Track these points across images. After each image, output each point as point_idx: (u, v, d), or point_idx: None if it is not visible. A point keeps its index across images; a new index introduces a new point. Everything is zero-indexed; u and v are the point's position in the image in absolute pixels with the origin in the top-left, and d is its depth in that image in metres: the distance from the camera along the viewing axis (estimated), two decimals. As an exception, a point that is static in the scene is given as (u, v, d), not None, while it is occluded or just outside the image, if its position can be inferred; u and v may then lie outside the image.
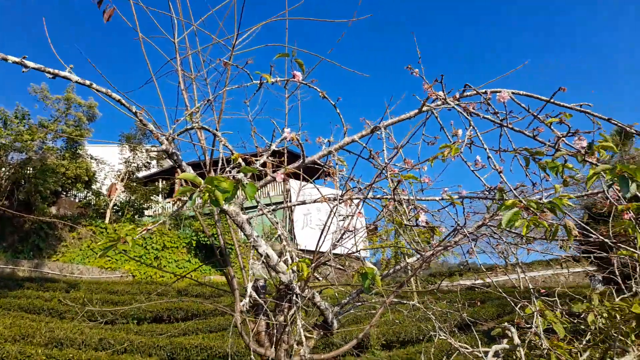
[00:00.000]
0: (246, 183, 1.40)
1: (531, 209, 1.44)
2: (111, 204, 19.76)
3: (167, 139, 2.10)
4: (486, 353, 4.22)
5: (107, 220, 19.18)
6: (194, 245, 18.99)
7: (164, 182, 23.75)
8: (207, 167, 3.18)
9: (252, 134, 3.08)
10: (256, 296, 2.18)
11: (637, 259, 1.89)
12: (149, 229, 1.54)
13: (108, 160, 21.04)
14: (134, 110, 2.22)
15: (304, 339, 2.66)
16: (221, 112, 3.06)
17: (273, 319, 2.81)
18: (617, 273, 5.61)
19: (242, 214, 2.65)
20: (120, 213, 20.89)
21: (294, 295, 2.59)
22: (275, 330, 2.81)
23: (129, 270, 16.75)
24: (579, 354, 4.34)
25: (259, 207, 2.15)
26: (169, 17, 3.07)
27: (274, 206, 2.98)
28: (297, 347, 2.87)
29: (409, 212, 2.08)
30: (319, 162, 2.67)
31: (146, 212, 22.78)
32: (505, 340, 4.56)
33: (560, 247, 5.95)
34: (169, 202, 23.46)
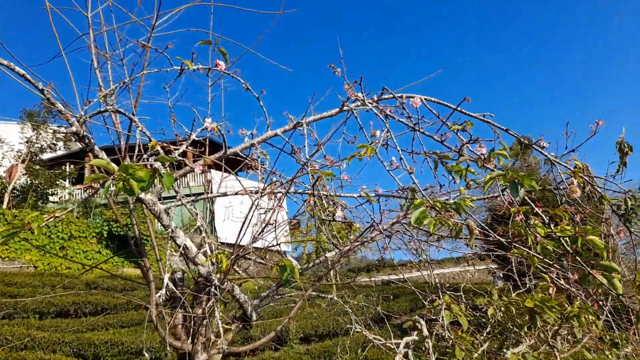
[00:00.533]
0: (163, 173, 1.37)
1: (436, 208, 1.56)
2: (10, 188, 18.03)
3: (79, 121, 1.98)
4: (398, 345, 4.47)
5: (4, 205, 17.49)
6: (105, 235, 17.90)
7: (71, 166, 22.09)
8: (122, 153, 3.04)
9: (171, 121, 2.99)
10: (173, 288, 2.14)
11: (529, 257, 2.12)
12: (57, 216, 1.46)
13: (7, 139, 19.14)
14: (40, 87, 2.07)
15: (222, 331, 2.65)
16: (138, 95, 2.93)
17: (191, 311, 2.76)
18: (514, 270, 6.18)
19: (160, 203, 2.58)
20: (21, 198, 19.14)
21: (213, 288, 2.57)
22: (192, 324, 2.77)
23: (30, 260, 15.41)
24: (479, 345, 4.74)
25: (178, 197, 2.10)
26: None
27: (193, 197, 2.92)
28: (215, 339, 2.84)
29: (328, 208, 2.15)
30: (241, 154, 2.67)
31: (51, 198, 21.07)
32: (415, 333, 4.86)
33: (467, 245, 6.41)
34: (78, 189, 21.87)
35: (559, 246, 1.95)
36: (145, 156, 1.84)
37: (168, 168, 1.51)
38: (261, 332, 7.60)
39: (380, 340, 4.68)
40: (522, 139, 2.33)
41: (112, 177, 1.29)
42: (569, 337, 5.82)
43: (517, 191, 1.50)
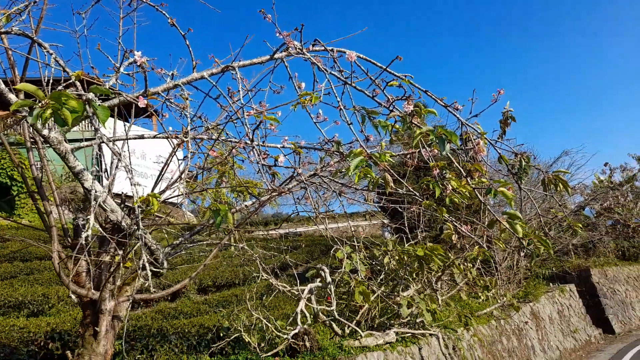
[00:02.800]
0: (98, 105, 1.26)
1: (374, 158, 1.66)
2: None
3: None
4: (303, 291, 4.72)
5: None
6: None
7: None
8: (16, 82, 2.68)
9: (79, 53, 2.69)
10: (106, 232, 2.00)
11: (437, 209, 2.34)
12: None
13: None
14: None
15: (138, 278, 2.56)
16: (41, 19, 2.58)
17: (98, 259, 2.62)
18: (405, 224, 6.76)
19: (66, 142, 2.35)
20: None
21: (125, 235, 2.45)
22: (99, 271, 2.63)
23: None
24: (375, 290, 5.19)
25: (98, 136, 1.93)
26: None
27: (97, 137, 2.69)
28: (124, 287, 2.74)
29: (257, 156, 2.15)
30: (162, 94, 2.51)
31: None
32: (318, 280, 5.15)
33: (365, 200, 6.81)
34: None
35: (464, 198, 2.20)
36: (60, 87, 1.65)
37: (99, 101, 1.38)
38: (171, 280, 7.41)
39: (286, 287, 4.90)
40: (438, 100, 2.52)
41: (40, 104, 1.16)
42: (449, 282, 6.62)
43: (444, 145, 1.65)
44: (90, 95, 1.28)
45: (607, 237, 12.74)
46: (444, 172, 2.13)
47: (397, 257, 5.31)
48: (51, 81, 2.10)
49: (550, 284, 10.99)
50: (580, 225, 2.34)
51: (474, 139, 2.34)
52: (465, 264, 5.58)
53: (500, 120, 2.73)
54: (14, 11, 1.75)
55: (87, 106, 1.29)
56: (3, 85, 1.94)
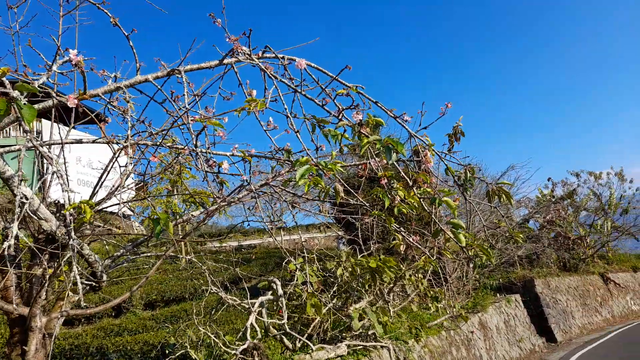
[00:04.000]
0: (23, 103, 1.16)
1: (320, 167, 1.63)
2: None
3: None
4: (253, 304, 4.61)
5: None
6: None
7: None
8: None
9: (13, 50, 2.53)
10: (39, 243, 1.84)
11: (386, 219, 2.35)
12: None
13: None
14: None
15: (67, 293, 2.39)
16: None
17: (29, 271, 2.43)
18: (359, 236, 6.79)
19: (-6, 146, 2.18)
20: None
21: (60, 246, 2.28)
22: (30, 285, 2.44)
23: None
24: (328, 302, 5.15)
25: (27, 138, 1.80)
26: None
27: (35, 142, 2.52)
28: (58, 302, 2.55)
29: (202, 163, 2.07)
30: (102, 97, 2.38)
31: None
32: (270, 292, 5.05)
33: (320, 211, 6.76)
34: None
35: (412, 209, 2.21)
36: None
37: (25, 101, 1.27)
38: (112, 295, 7.04)
39: (236, 301, 4.77)
40: (387, 112, 2.55)
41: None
42: (400, 294, 6.68)
43: (391, 155, 1.65)
44: (15, 94, 1.18)
45: (550, 249, 13.37)
46: (392, 182, 2.14)
47: (350, 269, 5.31)
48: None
49: (498, 295, 11.36)
50: (522, 236, 2.41)
51: (422, 150, 2.37)
52: (417, 275, 5.65)
53: (449, 134, 2.79)
54: None
55: (12, 105, 1.19)
56: None
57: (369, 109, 2.41)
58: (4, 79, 1.52)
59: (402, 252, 2.58)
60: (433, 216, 2.01)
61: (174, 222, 3.13)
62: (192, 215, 3.00)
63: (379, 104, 2.55)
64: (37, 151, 2.40)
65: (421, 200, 2.08)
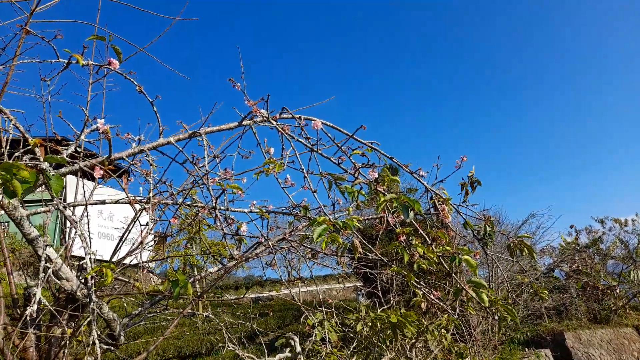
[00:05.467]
0: (52, 175, 1.22)
1: (338, 226, 1.64)
2: None
3: None
4: (271, 362, 4.48)
5: None
6: None
7: None
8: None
9: (43, 117, 2.67)
10: (47, 303, 1.87)
11: (407, 275, 2.32)
12: None
13: None
14: None
15: (84, 353, 2.37)
16: (5, 85, 2.56)
17: (48, 332, 2.43)
18: (379, 288, 6.65)
19: (22, 208, 2.26)
20: None
21: (79, 305, 2.30)
22: (49, 346, 2.44)
23: None
24: (347, 358, 4.97)
25: (54, 202, 1.86)
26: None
27: (61, 203, 2.60)
28: (75, 364, 2.53)
29: (221, 223, 2.11)
30: (126, 160, 2.47)
31: None
32: (288, 349, 4.91)
33: (338, 264, 6.72)
34: None
35: (432, 264, 2.18)
36: (17, 153, 1.61)
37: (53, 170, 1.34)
38: (128, 354, 6.93)
39: (253, 358, 4.64)
40: (403, 167, 2.57)
41: (-11, 174, 1.11)
42: (423, 349, 6.42)
43: (408, 213, 1.66)
44: (45, 165, 1.24)
45: (578, 300, 12.82)
46: (410, 238, 2.13)
47: (370, 324, 5.16)
48: (9, 141, 2.05)
49: (526, 349, 10.82)
50: (547, 293, 2.34)
51: (439, 205, 2.37)
52: (440, 330, 5.45)
53: (462, 183, 2.79)
54: (-24, 77, 1.74)
55: (41, 176, 1.25)
56: (-43, 150, 1.88)
57: (384, 165, 2.45)
58: (35, 149, 1.60)
59: (423, 309, 2.51)
60: (454, 275, 1.98)
61: (191, 279, 3.13)
62: (210, 272, 3.01)
63: (395, 160, 2.59)
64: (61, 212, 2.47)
65: (440, 257, 2.05)
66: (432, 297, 2.36)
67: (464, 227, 2.51)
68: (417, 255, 2.11)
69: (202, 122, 2.57)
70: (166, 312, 3.15)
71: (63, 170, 1.81)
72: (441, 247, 2.06)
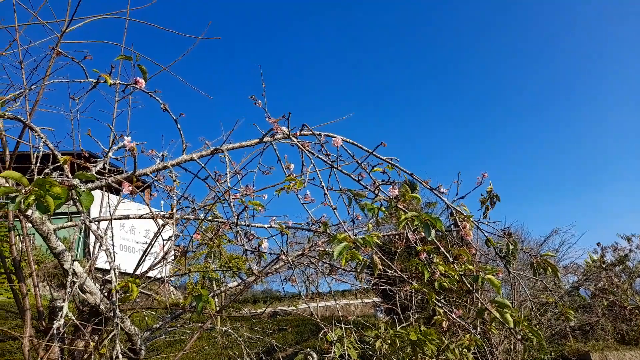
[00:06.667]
0: (83, 191, 1.26)
1: (358, 244, 1.64)
2: None
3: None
4: (288, 378, 4.45)
5: None
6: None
7: None
8: (7, 163, 2.70)
9: (71, 134, 2.76)
10: (83, 315, 1.91)
11: (428, 293, 2.29)
12: None
13: None
14: None
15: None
16: (36, 103, 2.66)
17: (71, 345, 2.47)
18: (397, 305, 6.57)
19: (49, 222, 2.32)
20: None
21: (103, 319, 2.34)
22: (72, 358, 2.47)
23: None
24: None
25: (81, 217, 1.91)
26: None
27: (87, 217, 2.66)
28: (97, 377, 2.56)
29: (242, 238, 2.13)
30: (150, 175, 2.53)
31: None
32: (306, 365, 4.87)
33: (356, 279, 6.67)
34: None
35: (453, 282, 2.15)
36: (47, 170, 1.66)
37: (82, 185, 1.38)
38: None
39: (272, 375, 4.61)
40: (423, 183, 2.56)
41: (24, 191, 1.15)
42: (444, 369, 6.29)
43: (429, 231, 1.65)
44: (75, 182, 1.28)
45: (605, 320, 12.41)
46: (431, 256, 2.11)
47: (389, 341, 5.09)
48: (39, 158, 2.12)
49: (551, 370, 10.49)
50: (573, 312, 2.28)
51: (460, 222, 2.35)
52: (461, 349, 5.33)
53: (481, 199, 2.76)
54: (10, 97, 1.81)
55: (71, 191, 1.29)
56: (-9, 166, 1.95)
57: (404, 181, 2.44)
58: (65, 166, 1.65)
59: (444, 328, 2.47)
60: (475, 293, 1.95)
61: (211, 293, 3.15)
62: (230, 287, 3.02)
63: (415, 176, 2.58)
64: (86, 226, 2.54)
65: (463, 277, 2.03)
66: (453, 315, 2.33)
67: (485, 244, 2.48)
68: (439, 273, 2.09)
69: (223, 139, 2.62)
70: (187, 326, 3.17)
71: (90, 185, 1.86)
72: (463, 266, 2.03)
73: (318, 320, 4.87)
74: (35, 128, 1.86)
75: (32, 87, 2.00)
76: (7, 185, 2.08)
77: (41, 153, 1.83)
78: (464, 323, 2.42)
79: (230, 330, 3.81)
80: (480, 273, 1.87)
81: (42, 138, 1.77)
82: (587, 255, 14.90)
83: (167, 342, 9.78)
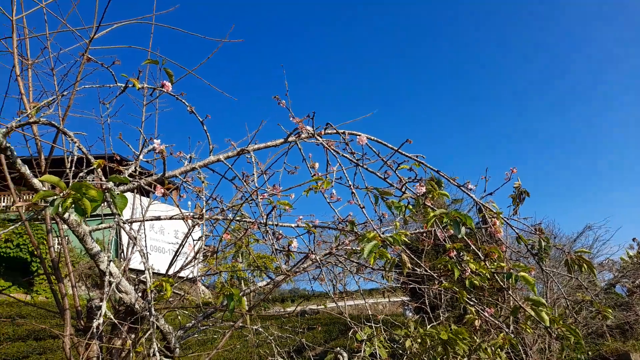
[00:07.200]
0: (117, 194, 1.30)
1: (389, 242, 1.64)
2: None
3: (9, 131, 1.81)
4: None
5: None
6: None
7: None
8: (42, 167, 2.80)
9: (102, 138, 2.84)
10: (119, 314, 1.97)
11: (458, 291, 2.26)
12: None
13: None
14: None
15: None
16: (68, 108, 2.75)
17: (110, 343, 2.55)
18: (426, 303, 6.49)
19: (85, 224, 2.40)
20: None
21: (138, 318, 2.40)
22: (110, 356, 2.55)
23: None
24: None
25: (115, 219, 1.97)
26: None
27: (119, 219, 2.74)
28: (133, 374, 2.63)
29: (271, 238, 2.15)
30: (179, 177, 2.58)
31: None
32: (335, 364, 4.88)
33: (383, 278, 6.63)
34: (4, 205, 19.23)
35: (484, 281, 2.12)
36: (82, 174, 1.72)
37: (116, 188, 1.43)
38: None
39: (302, 373, 4.64)
40: (450, 180, 2.53)
41: (61, 194, 1.20)
42: (475, 368, 6.18)
43: (459, 229, 1.62)
44: (110, 185, 1.33)
45: (644, 317, 11.95)
46: (461, 254, 2.08)
47: (419, 340, 5.04)
48: (74, 162, 2.19)
49: (587, 370, 10.18)
50: (610, 311, 2.21)
51: (489, 219, 2.30)
52: (494, 348, 5.24)
53: (511, 195, 2.70)
54: (44, 104, 1.88)
55: (106, 194, 1.33)
56: (28, 171, 2.03)
57: (431, 179, 2.41)
58: (99, 170, 1.71)
59: (477, 327, 2.43)
60: (507, 291, 1.91)
61: (241, 293, 3.19)
62: (259, 286, 3.06)
63: (441, 173, 2.55)
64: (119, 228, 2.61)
65: (495, 274, 1.99)
66: (485, 314, 2.29)
67: (516, 241, 2.43)
68: (469, 271, 2.06)
69: (248, 139, 2.65)
70: (218, 324, 3.22)
71: (122, 187, 1.91)
72: (495, 263, 1.99)
73: (348, 318, 4.87)
74: (69, 133, 1.93)
75: (65, 93, 2.07)
76: (44, 188, 2.16)
77: (76, 157, 1.89)
78: (497, 322, 2.37)
79: (260, 329, 3.85)
80: (514, 271, 1.83)
81: (75, 142, 1.83)
82: (623, 251, 14.38)
83: (198, 340, 9.97)
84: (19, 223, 1.75)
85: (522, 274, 1.78)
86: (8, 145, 2.07)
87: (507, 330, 2.41)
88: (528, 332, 2.54)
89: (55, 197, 1.16)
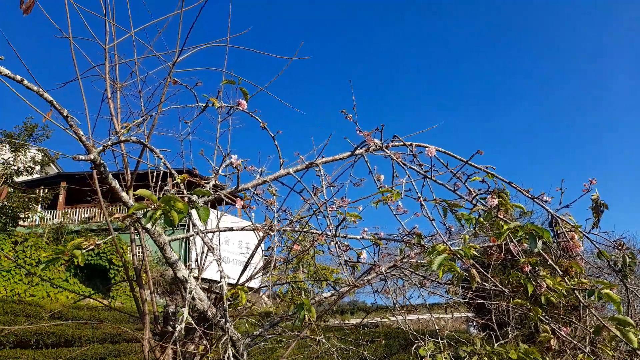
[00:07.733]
0: (201, 206, 1.40)
1: (459, 256, 1.62)
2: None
3: (96, 149, 2.00)
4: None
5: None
6: (75, 263, 17.12)
7: (45, 190, 21.46)
8: (127, 181, 3.03)
9: (181, 154, 3.03)
10: (192, 322, 2.10)
11: (532, 309, 2.18)
12: (98, 244, 1.45)
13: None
14: (65, 114, 2.09)
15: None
16: (153, 127, 2.97)
17: (183, 348, 2.70)
18: (493, 320, 6.22)
19: (165, 235, 2.57)
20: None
21: (211, 324, 2.52)
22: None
23: (-9, 286, 14.65)
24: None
25: (194, 230, 2.11)
26: (101, 20, 2.97)
27: (193, 229, 2.91)
28: (207, 378, 2.76)
29: (338, 249, 2.19)
30: (251, 189, 2.70)
31: (21, 222, 20.29)
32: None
33: (447, 292, 6.45)
34: (113, 219, 21.05)
35: (561, 297, 2.02)
36: (167, 187, 1.86)
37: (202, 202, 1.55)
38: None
39: (366, 386, 4.61)
40: (524, 192, 2.44)
41: (152, 207, 1.31)
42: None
43: (536, 243, 1.58)
44: (194, 197, 1.43)
45: None
46: (537, 269, 2.00)
47: (486, 359, 4.84)
48: (160, 175, 2.36)
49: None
50: None
51: (566, 232, 2.20)
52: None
53: (591, 206, 2.55)
54: (134, 124, 2.05)
55: (190, 206, 1.44)
56: (118, 185, 2.21)
57: (502, 190, 2.35)
58: (182, 184, 1.83)
59: (552, 346, 2.32)
60: (584, 310, 1.82)
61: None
62: (324, 297, 3.10)
63: (513, 184, 2.47)
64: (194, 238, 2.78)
65: (574, 291, 1.90)
66: (562, 333, 2.18)
67: (597, 256, 2.30)
68: (545, 287, 1.98)
69: (315, 153, 2.72)
70: (284, 334, 3.30)
71: (203, 199, 2.04)
72: (576, 280, 1.90)
73: (412, 332, 4.78)
74: (155, 150, 2.09)
75: (152, 113, 2.25)
76: (131, 201, 2.35)
77: (162, 172, 2.04)
78: (575, 342, 2.25)
79: (323, 340, 3.89)
80: (595, 288, 1.74)
81: (161, 158, 1.98)
82: None
83: (259, 349, 10.17)
84: (115, 234, 1.91)
85: (606, 291, 1.68)
86: (102, 162, 2.28)
87: (585, 351, 2.28)
88: (608, 355, 2.37)
89: (148, 209, 1.28)
